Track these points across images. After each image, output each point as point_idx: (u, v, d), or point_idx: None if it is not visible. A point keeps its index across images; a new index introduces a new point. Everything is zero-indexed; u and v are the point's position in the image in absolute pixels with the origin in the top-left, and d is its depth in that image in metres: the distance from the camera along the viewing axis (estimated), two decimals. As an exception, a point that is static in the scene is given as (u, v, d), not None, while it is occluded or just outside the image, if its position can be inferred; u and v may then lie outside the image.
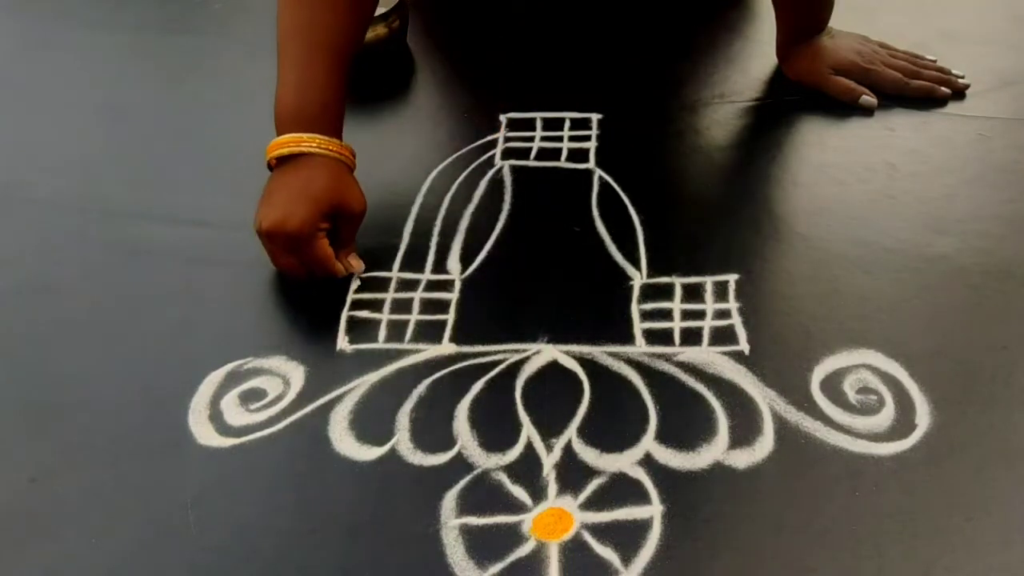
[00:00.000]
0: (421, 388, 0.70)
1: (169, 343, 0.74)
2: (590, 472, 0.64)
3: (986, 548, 0.60)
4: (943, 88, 0.93)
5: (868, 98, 0.92)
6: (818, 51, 0.94)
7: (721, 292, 0.76)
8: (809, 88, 0.94)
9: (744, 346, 0.72)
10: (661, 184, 0.86)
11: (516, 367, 0.71)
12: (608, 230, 0.82)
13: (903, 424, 0.67)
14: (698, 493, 0.63)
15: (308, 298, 0.77)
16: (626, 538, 0.61)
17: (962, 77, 0.94)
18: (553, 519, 0.62)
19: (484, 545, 0.61)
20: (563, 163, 0.88)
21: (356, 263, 0.78)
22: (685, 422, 0.67)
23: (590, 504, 0.63)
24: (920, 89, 0.93)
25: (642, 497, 0.63)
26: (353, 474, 0.65)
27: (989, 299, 0.75)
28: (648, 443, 0.66)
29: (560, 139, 0.91)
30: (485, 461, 0.65)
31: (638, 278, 0.78)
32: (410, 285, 0.78)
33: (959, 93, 0.94)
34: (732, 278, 0.77)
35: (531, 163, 0.89)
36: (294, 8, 0.78)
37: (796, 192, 0.86)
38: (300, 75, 0.76)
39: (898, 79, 0.93)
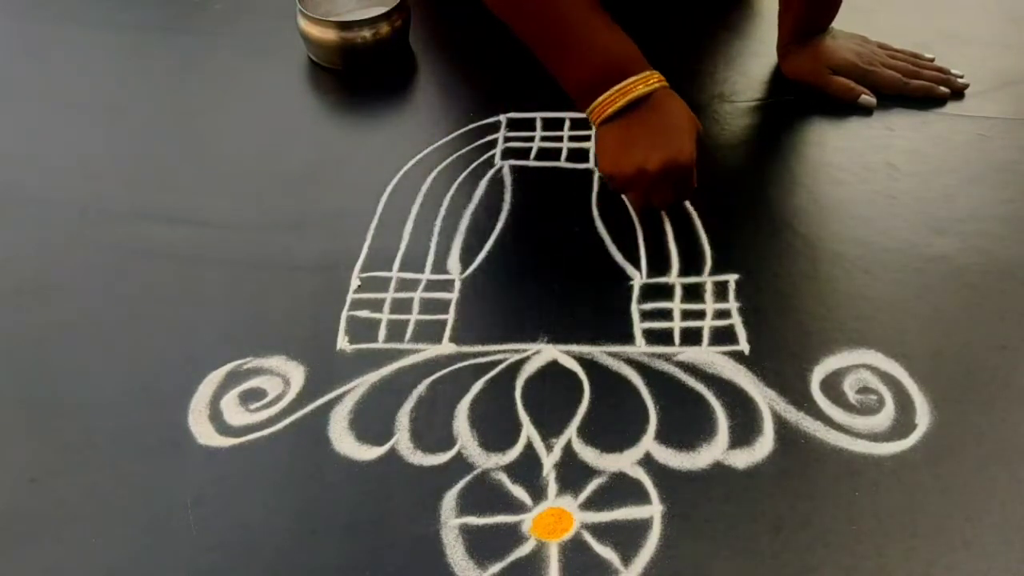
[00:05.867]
0: (421, 388, 0.70)
1: (169, 343, 0.74)
2: (590, 472, 0.64)
3: (986, 548, 0.60)
4: (942, 88, 0.93)
5: (867, 98, 0.92)
6: (818, 51, 0.94)
7: (721, 292, 0.76)
8: (809, 88, 0.94)
9: (744, 346, 0.72)
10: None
11: (516, 367, 0.71)
12: (608, 230, 0.82)
13: (903, 424, 0.67)
14: (698, 493, 0.63)
15: (308, 298, 0.77)
16: (626, 538, 0.61)
17: (962, 77, 0.94)
18: (553, 519, 0.62)
19: (484, 545, 0.61)
20: (563, 163, 0.88)
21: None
22: (685, 422, 0.67)
23: (590, 504, 0.63)
24: (919, 89, 0.93)
25: (642, 497, 0.63)
26: (353, 474, 0.65)
27: (989, 299, 0.75)
28: (648, 443, 0.66)
29: (560, 139, 0.91)
30: (485, 461, 0.65)
31: (638, 278, 0.78)
32: (410, 285, 0.78)
33: (958, 93, 0.94)
34: (732, 278, 0.77)
35: (531, 163, 0.89)
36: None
37: (796, 192, 0.86)
38: (593, 33, 0.76)
39: (897, 79, 0.93)
